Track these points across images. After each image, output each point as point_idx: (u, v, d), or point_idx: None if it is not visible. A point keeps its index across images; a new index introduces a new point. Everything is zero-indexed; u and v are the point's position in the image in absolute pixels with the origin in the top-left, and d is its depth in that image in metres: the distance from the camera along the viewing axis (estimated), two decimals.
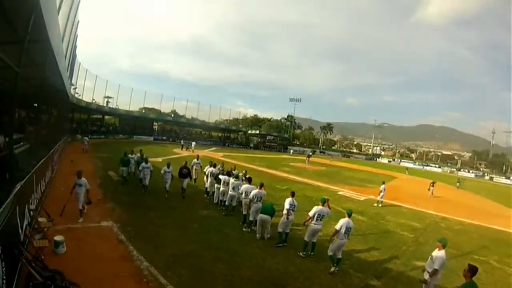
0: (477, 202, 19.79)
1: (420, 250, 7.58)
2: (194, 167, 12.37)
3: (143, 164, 10.37)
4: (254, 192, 7.62)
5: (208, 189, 10.57)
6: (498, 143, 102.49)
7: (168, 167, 10.02)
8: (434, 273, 4.64)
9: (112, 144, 29.56)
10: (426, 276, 4.82)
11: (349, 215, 5.97)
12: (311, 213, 6.39)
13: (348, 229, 5.85)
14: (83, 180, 6.93)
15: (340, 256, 5.94)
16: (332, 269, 5.80)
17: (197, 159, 12.91)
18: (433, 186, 19.03)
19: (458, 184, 27.91)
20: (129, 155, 12.12)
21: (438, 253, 4.79)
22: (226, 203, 8.86)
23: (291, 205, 6.87)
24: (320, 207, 6.44)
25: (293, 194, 7.14)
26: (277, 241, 6.82)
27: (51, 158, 9.79)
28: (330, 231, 6.45)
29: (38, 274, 3.61)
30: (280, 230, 6.81)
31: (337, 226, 5.84)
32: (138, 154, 13.04)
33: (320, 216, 6.37)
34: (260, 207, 7.52)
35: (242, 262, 5.74)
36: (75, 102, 27.83)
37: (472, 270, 3.86)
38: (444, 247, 4.83)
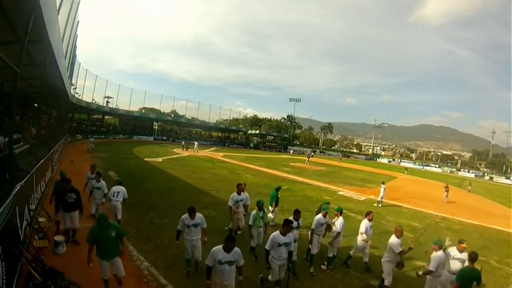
0: (477, 202, 19.75)
1: (420, 250, 7.54)
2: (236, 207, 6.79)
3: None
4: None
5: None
6: (498, 143, 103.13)
7: None
8: (428, 273, 4.66)
9: (112, 144, 29.54)
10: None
11: (340, 213, 6.14)
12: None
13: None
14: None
15: (335, 254, 6.04)
16: (324, 267, 5.91)
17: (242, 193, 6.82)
18: (447, 190, 17.42)
19: (469, 187, 25.74)
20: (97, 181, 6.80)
21: (435, 254, 4.78)
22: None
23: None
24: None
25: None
26: None
27: (51, 158, 9.79)
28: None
29: (38, 274, 3.61)
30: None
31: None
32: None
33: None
34: None
35: None
36: (75, 102, 27.83)
37: (470, 256, 4.27)
38: (440, 248, 4.82)
